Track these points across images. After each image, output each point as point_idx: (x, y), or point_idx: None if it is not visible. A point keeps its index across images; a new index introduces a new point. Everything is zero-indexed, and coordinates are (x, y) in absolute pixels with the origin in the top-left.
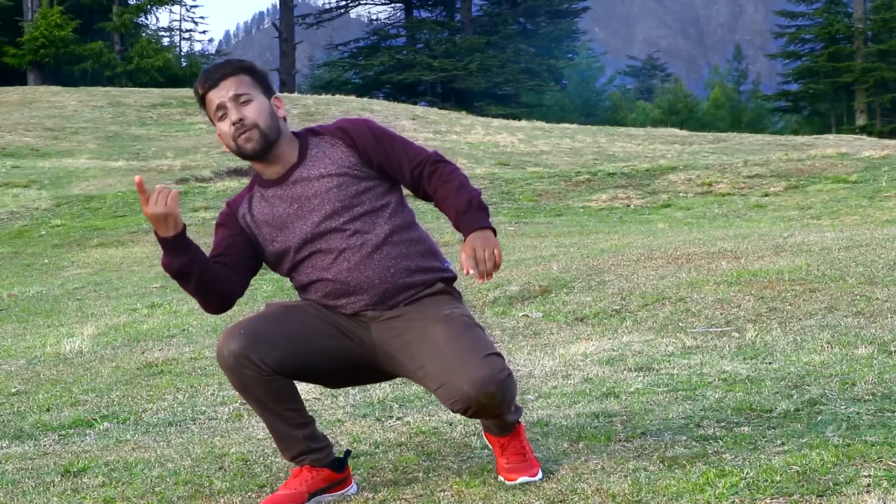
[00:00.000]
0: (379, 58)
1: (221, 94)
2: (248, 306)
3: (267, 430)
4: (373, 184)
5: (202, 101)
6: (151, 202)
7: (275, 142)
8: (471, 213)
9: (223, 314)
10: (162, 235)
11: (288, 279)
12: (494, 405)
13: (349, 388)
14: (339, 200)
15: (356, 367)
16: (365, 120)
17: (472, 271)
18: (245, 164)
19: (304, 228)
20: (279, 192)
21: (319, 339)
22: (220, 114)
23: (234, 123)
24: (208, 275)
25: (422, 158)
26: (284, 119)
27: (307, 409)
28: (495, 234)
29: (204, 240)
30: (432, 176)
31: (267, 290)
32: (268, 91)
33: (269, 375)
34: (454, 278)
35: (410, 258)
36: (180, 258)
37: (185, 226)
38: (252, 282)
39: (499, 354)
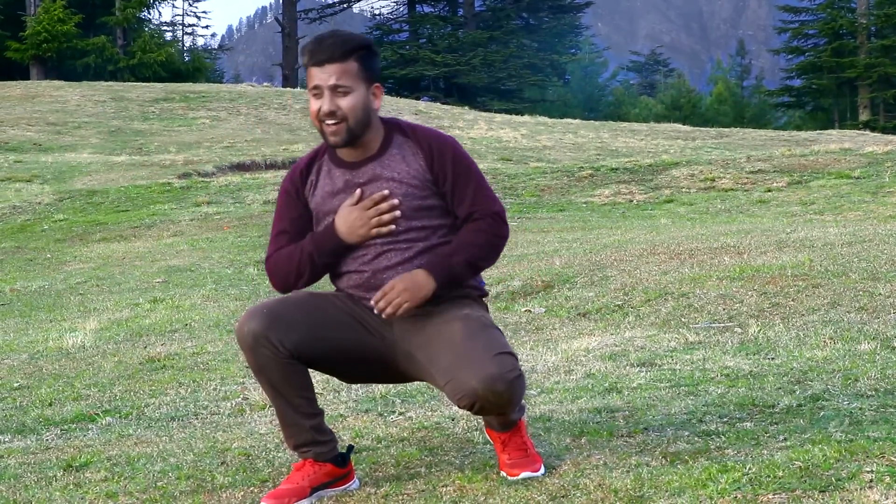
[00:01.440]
0: (382, 53)
1: (323, 76)
2: (250, 301)
3: (271, 422)
4: (436, 203)
5: (305, 68)
6: (363, 206)
7: (360, 136)
8: (443, 260)
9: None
10: (343, 238)
11: None
12: (501, 403)
13: (356, 384)
14: (401, 210)
15: (372, 363)
16: (454, 143)
17: (373, 303)
18: (247, 160)
19: None
20: (347, 175)
21: (340, 330)
22: (315, 92)
23: (324, 113)
24: (318, 277)
25: (483, 210)
26: (377, 109)
27: None
28: (435, 291)
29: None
30: (472, 221)
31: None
32: (371, 78)
33: (286, 358)
34: (486, 295)
35: None
36: (329, 258)
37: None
38: (256, 277)
39: (512, 354)
